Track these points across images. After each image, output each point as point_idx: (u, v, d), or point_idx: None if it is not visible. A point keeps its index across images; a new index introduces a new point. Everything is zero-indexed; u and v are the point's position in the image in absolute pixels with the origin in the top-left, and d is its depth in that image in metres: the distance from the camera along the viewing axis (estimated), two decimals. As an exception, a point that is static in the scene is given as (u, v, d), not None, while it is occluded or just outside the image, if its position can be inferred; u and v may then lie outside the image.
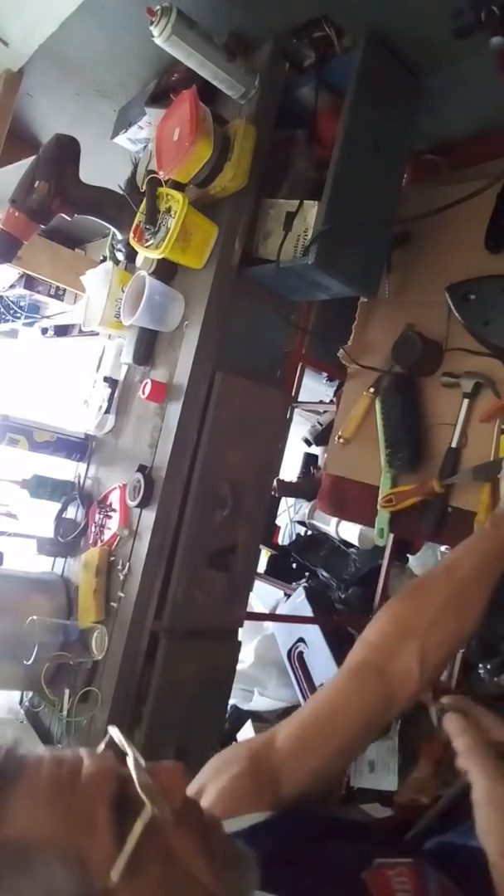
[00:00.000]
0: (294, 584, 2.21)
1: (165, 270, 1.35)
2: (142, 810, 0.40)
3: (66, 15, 1.31)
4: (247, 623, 1.42)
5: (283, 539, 2.53)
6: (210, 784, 0.61)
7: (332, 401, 2.36)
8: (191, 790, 0.59)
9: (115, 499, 1.40)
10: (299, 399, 2.28)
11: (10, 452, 1.58)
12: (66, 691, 1.33)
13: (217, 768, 0.64)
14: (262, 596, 2.45)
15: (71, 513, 1.62)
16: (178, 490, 1.25)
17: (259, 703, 2.04)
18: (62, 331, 2.66)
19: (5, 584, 1.47)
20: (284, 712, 2.00)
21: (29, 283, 2.41)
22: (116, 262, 1.58)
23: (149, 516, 1.26)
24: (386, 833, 0.77)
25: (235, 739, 1.98)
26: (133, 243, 1.31)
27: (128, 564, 1.28)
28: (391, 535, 1.47)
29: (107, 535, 1.40)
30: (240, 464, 1.31)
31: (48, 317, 2.65)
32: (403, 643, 0.73)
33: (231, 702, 2.01)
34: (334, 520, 2.16)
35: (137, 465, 1.30)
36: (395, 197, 1.28)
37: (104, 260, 1.68)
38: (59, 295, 2.49)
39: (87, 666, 1.31)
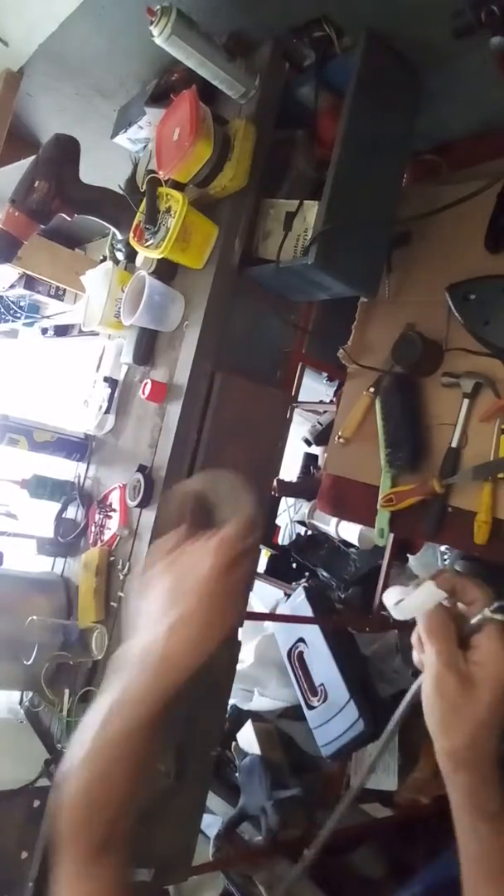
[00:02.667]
0: (294, 584, 2.21)
1: (165, 270, 1.35)
2: None
3: (65, 15, 1.31)
4: (247, 623, 1.42)
5: (283, 539, 2.53)
6: None
7: (332, 401, 2.36)
8: None
9: (115, 499, 1.40)
10: (299, 399, 2.29)
11: (10, 452, 1.58)
12: (66, 691, 1.33)
13: None
14: (262, 596, 2.45)
15: (71, 513, 1.62)
16: (178, 490, 1.25)
17: (259, 703, 2.04)
18: (62, 331, 2.67)
19: (5, 584, 1.47)
20: (284, 712, 2.00)
21: (29, 283, 2.42)
22: (116, 261, 1.58)
23: (149, 516, 1.26)
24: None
25: (235, 739, 1.98)
26: (133, 243, 1.31)
27: (128, 564, 1.28)
28: (391, 535, 1.47)
29: (107, 535, 1.40)
30: (240, 464, 1.30)
31: (48, 317, 2.65)
32: None
33: (231, 702, 2.02)
34: (334, 520, 2.16)
35: (137, 465, 1.30)
36: (395, 197, 1.28)
37: (104, 260, 1.68)
38: (59, 295, 2.50)
39: (87, 666, 1.31)
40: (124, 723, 0.55)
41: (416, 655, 0.52)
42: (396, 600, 0.53)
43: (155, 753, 0.57)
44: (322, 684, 1.70)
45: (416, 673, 0.52)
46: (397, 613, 0.52)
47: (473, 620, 0.50)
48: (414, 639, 0.52)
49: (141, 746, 0.55)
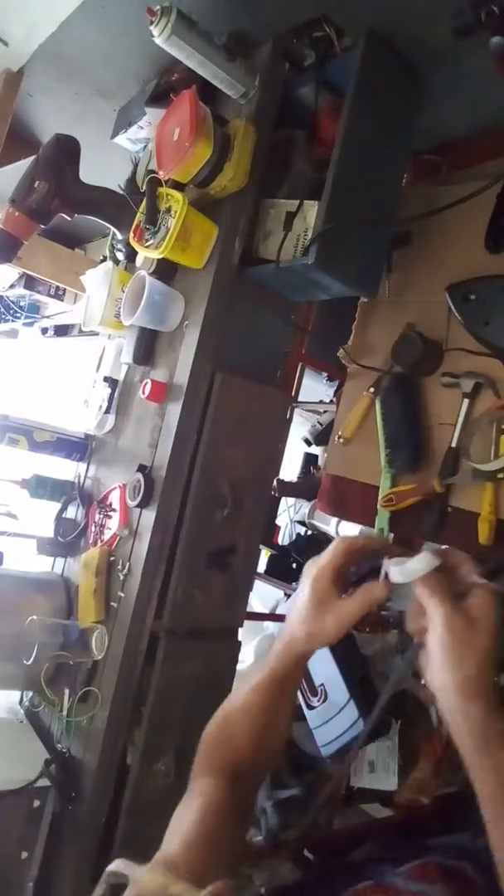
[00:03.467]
0: (294, 584, 2.21)
1: (165, 270, 1.35)
2: None
3: (66, 15, 1.31)
4: (247, 623, 1.42)
5: (283, 539, 2.53)
6: None
7: (332, 401, 2.36)
8: None
9: (115, 499, 1.40)
10: (299, 399, 2.29)
11: (10, 452, 1.58)
12: (66, 691, 1.33)
13: None
14: (262, 596, 2.45)
15: (71, 513, 1.62)
16: (177, 490, 1.25)
17: (259, 703, 2.04)
18: (62, 331, 2.67)
19: (5, 584, 1.47)
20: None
21: (29, 283, 2.41)
22: (116, 261, 1.58)
23: (149, 516, 1.26)
24: (386, 838, 0.78)
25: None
26: (133, 243, 1.31)
27: (128, 564, 1.28)
28: (391, 535, 1.48)
29: (107, 535, 1.40)
30: (240, 464, 1.31)
31: (48, 317, 2.65)
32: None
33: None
34: (334, 520, 2.16)
35: (137, 464, 1.30)
36: (396, 197, 1.28)
37: (104, 260, 1.68)
38: (59, 295, 2.49)
39: (87, 666, 1.31)
40: (260, 674, 0.67)
41: (411, 624, 0.59)
42: (398, 566, 0.60)
43: (286, 714, 0.68)
44: (322, 684, 1.70)
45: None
46: (399, 576, 0.59)
47: (462, 584, 0.58)
48: (413, 606, 0.59)
49: (269, 697, 0.66)
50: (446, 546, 0.64)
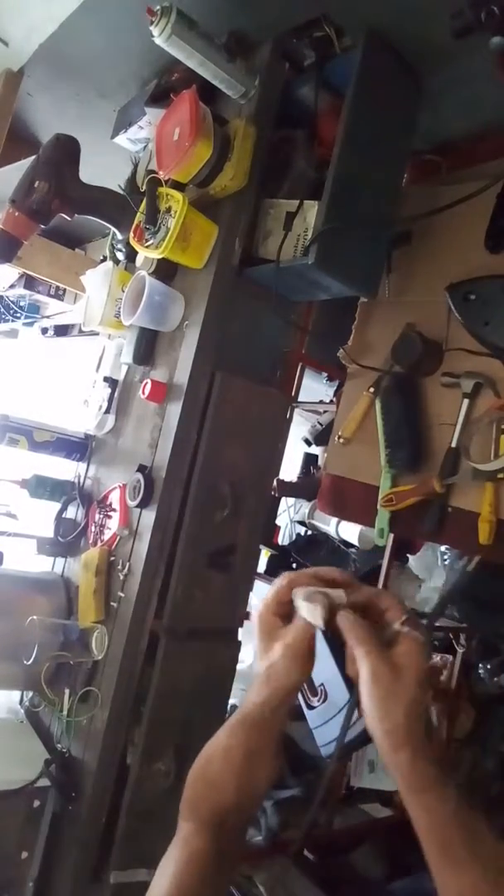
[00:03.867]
0: (294, 584, 2.21)
1: (165, 270, 1.35)
2: None
3: (66, 15, 1.31)
4: (247, 623, 1.42)
5: (283, 539, 2.53)
6: None
7: (332, 401, 2.36)
8: None
9: (115, 499, 1.40)
10: (299, 399, 2.29)
11: (10, 452, 1.59)
12: (66, 691, 1.33)
13: None
14: (262, 596, 2.44)
15: (71, 513, 1.62)
16: (177, 490, 1.25)
17: (259, 703, 2.04)
18: (62, 331, 2.67)
19: (5, 584, 1.47)
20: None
21: (29, 283, 2.41)
22: (116, 262, 1.58)
23: (149, 516, 1.26)
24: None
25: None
26: (133, 243, 1.31)
27: (128, 564, 1.28)
28: (391, 535, 1.48)
29: (107, 535, 1.40)
30: (240, 464, 1.31)
31: (48, 317, 2.65)
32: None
33: (231, 702, 2.01)
34: (334, 520, 2.16)
35: (137, 465, 1.30)
36: (396, 197, 1.28)
37: (104, 260, 1.68)
38: (59, 295, 2.49)
39: (87, 666, 1.31)
40: (237, 715, 0.65)
41: (349, 668, 0.60)
42: (304, 600, 0.60)
43: (267, 757, 0.64)
44: (322, 684, 1.69)
45: None
46: (303, 610, 0.60)
47: (390, 630, 0.59)
48: (348, 654, 0.60)
49: (247, 741, 0.64)
50: (374, 589, 0.63)
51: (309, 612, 0.59)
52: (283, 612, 0.63)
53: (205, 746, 0.67)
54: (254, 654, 0.66)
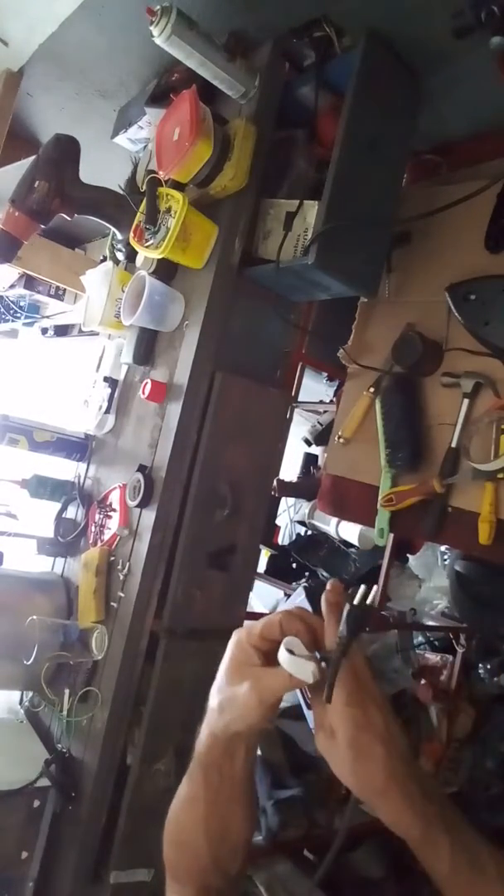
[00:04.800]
0: (294, 584, 2.21)
1: (165, 270, 1.35)
2: None
3: (66, 15, 1.31)
4: (246, 623, 1.42)
5: (283, 539, 2.53)
6: None
7: (332, 401, 2.36)
8: None
9: (115, 499, 1.40)
10: (299, 399, 2.29)
11: (10, 452, 1.59)
12: (66, 691, 1.33)
13: None
14: (262, 596, 2.45)
15: (71, 513, 1.62)
16: (178, 490, 1.25)
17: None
18: (62, 331, 2.67)
19: (5, 584, 1.47)
20: (284, 712, 2.00)
21: (29, 283, 2.41)
22: (116, 262, 1.58)
23: (149, 516, 1.26)
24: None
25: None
26: (133, 243, 1.31)
27: (128, 564, 1.28)
28: (391, 535, 1.47)
29: (107, 535, 1.40)
30: (240, 464, 1.31)
31: (48, 317, 2.65)
32: None
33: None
34: (334, 520, 2.16)
35: (137, 464, 1.30)
36: (396, 197, 1.28)
37: (104, 260, 1.68)
38: (59, 295, 2.49)
39: (87, 666, 1.31)
40: (193, 761, 0.60)
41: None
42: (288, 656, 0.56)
43: (237, 802, 0.59)
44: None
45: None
46: (287, 664, 0.55)
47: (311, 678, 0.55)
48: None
49: (208, 788, 0.58)
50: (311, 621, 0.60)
51: (296, 668, 0.54)
52: (265, 648, 0.58)
53: (173, 800, 0.61)
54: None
